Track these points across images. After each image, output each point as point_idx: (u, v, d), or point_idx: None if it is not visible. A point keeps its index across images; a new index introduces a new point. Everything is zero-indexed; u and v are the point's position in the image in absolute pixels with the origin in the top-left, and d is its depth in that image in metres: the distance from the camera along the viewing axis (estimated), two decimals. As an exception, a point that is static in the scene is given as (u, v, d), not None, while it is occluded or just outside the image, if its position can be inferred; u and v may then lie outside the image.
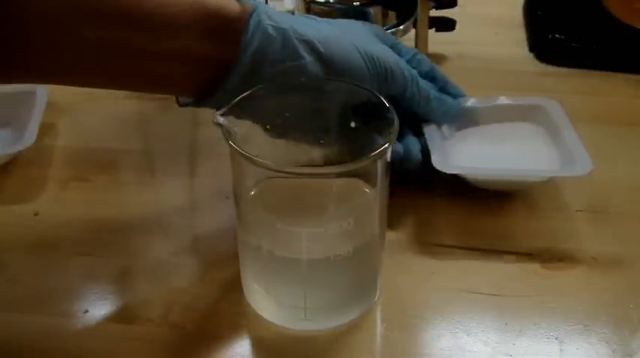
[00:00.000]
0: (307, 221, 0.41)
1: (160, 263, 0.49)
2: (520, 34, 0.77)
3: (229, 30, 0.45)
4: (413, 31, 0.68)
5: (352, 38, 0.49)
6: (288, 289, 0.42)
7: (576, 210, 0.53)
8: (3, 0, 0.39)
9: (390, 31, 0.68)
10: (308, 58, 0.46)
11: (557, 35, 0.72)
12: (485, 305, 0.45)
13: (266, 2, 0.65)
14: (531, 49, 0.74)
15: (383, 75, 0.49)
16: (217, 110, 0.41)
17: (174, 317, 0.45)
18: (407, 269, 0.48)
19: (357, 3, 0.67)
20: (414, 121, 0.54)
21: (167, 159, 0.60)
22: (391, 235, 0.45)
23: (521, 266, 0.48)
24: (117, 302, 0.46)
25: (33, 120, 0.58)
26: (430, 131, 0.54)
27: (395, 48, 0.53)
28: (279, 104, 0.44)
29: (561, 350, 0.42)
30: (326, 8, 0.67)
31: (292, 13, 0.70)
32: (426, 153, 0.52)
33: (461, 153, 0.54)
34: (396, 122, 0.40)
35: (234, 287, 0.46)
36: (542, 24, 0.75)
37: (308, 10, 0.68)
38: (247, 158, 0.38)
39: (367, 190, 0.43)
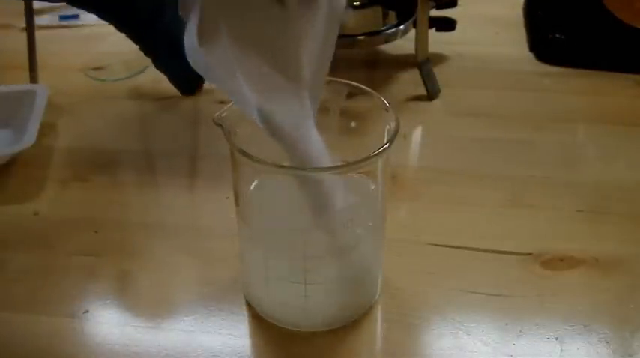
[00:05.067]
0: (307, 220, 0.41)
1: (160, 263, 0.49)
2: (520, 34, 0.77)
3: None
4: (413, 31, 0.68)
5: None
6: (288, 289, 0.42)
7: (576, 210, 0.53)
8: None
9: (390, 31, 0.68)
10: None
11: (557, 35, 0.72)
12: (486, 305, 0.45)
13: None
14: (531, 49, 0.74)
15: None
16: None
17: (173, 317, 0.45)
18: (407, 269, 0.48)
19: (358, 3, 0.67)
20: None
21: (167, 159, 0.60)
22: (391, 235, 0.45)
23: (521, 266, 0.48)
24: (117, 302, 0.46)
25: (33, 120, 0.58)
26: None
27: None
28: None
29: (561, 350, 0.42)
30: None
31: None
32: None
33: None
34: (396, 122, 0.40)
35: (234, 287, 0.46)
36: (542, 24, 0.75)
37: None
38: (247, 157, 0.38)
39: (367, 190, 0.43)
